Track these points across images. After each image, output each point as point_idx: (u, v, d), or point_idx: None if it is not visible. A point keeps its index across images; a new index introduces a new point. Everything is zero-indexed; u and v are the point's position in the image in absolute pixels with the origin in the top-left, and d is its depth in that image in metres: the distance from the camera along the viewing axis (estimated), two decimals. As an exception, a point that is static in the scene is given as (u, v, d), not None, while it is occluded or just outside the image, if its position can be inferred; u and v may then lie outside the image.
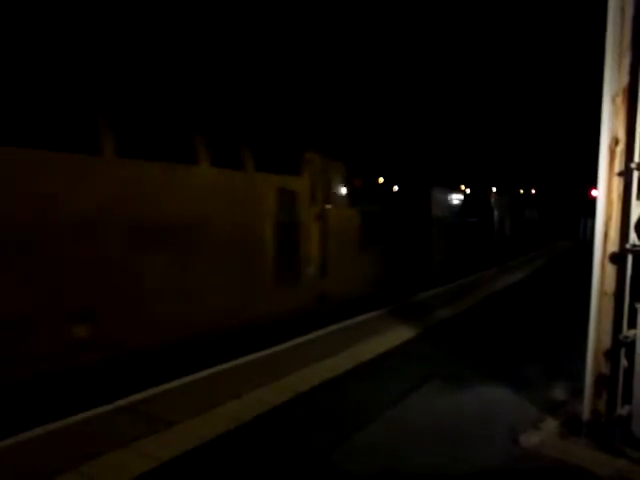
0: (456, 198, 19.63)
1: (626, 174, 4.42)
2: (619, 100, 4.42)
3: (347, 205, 10.34)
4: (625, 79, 4.40)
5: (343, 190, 10.11)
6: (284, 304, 8.77)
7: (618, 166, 4.44)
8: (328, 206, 9.71)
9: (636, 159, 4.38)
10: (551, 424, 4.85)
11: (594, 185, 4.59)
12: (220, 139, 7.80)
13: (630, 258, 4.43)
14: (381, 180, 12.96)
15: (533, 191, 39.71)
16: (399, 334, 8.09)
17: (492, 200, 24.35)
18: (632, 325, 4.42)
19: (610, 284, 4.49)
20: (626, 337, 4.43)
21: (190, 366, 6.14)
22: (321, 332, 8.15)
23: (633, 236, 4.43)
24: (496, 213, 23.83)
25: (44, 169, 5.56)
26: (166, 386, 5.68)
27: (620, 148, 4.42)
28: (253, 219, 8.31)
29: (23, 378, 5.43)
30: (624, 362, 4.48)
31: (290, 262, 8.96)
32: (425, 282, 12.52)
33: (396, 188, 14.05)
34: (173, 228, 6.92)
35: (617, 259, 4.46)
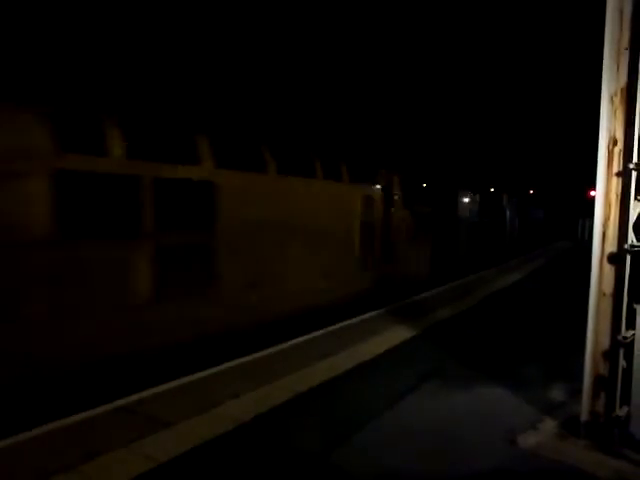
0: (474, 200, 21.41)
1: (624, 174, 4.41)
2: (617, 100, 4.41)
3: (402, 207, 12.76)
4: (623, 79, 4.40)
5: (399, 195, 12.71)
6: (364, 283, 11.11)
7: (616, 166, 4.44)
8: (392, 209, 12.29)
9: (634, 159, 4.38)
10: (549, 425, 4.84)
11: (592, 186, 4.59)
12: (327, 159, 10.41)
13: (628, 258, 4.43)
14: (424, 186, 15.94)
15: (531, 192, 39.74)
16: (398, 334, 8.09)
17: (504, 202, 26.32)
18: (630, 326, 4.42)
19: (608, 284, 4.48)
20: (625, 338, 4.42)
21: (312, 327, 8.12)
22: (321, 332, 8.15)
23: (631, 236, 4.43)
24: (508, 214, 26.18)
25: (251, 184, 8.37)
26: (165, 386, 5.67)
27: (618, 148, 4.42)
28: (349, 219, 10.79)
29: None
30: (623, 363, 4.47)
31: (369, 251, 11.38)
32: (452, 272, 15.14)
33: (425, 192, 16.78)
34: (304, 225, 9.40)
35: (615, 259, 4.45)
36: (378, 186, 11.84)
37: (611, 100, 4.43)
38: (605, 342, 4.51)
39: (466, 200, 19.61)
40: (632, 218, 4.45)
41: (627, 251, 4.40)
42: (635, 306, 4.37)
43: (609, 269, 4.47)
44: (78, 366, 6.00)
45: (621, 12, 4.40)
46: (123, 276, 6.49)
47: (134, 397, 5.34)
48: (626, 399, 4.41)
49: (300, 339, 7.72)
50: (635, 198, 4.42)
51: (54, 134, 5.88)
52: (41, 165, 5.71)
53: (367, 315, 9.47)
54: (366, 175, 11.55)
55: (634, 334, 4.35)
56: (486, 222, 22.26)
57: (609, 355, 4.50)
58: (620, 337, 4.44)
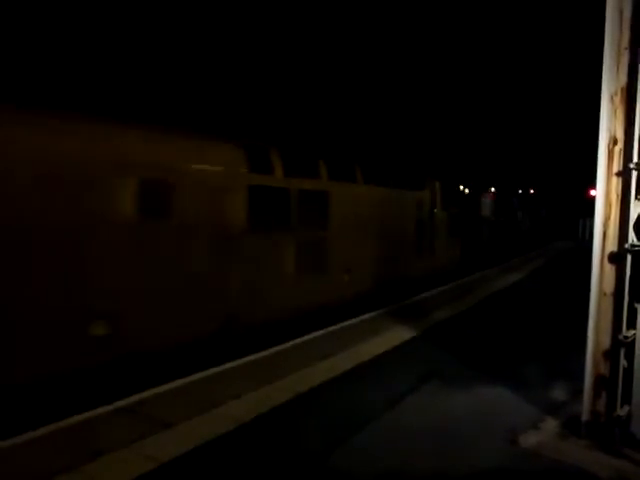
0: (491, 201, 23.84)
1: (624, 174, 4.41)
2: (617, 100, 4.41)
3: (441, 209, 15.28)
4: (623, 79, 4.40)
5: (439, 198, 15.21)
6: (417, 269, 13.89)
7: (617, 166, 4.44)
8: (435, 210, 14.88)
9: (634, 159, 4.38)
10: (551, 424, 4.84)
11: (593, 185, 4.59)
12: (394, 173, 13.33)
13: (629, 258, 4.43)
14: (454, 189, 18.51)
15: (532, 191, 39.67)
16: (399, 334, 8.08)
17: (515, 201, 28.96)
18: (631, 325, 4.42)
19: (609, 284, 4.48)
20: (625, 337, 4.42)
21: (383, 301, 10.10)
22: (321, 332, 8.15)
23: (632, 236, 4.43)
24: (519, 213, 28.89)
25: (348, 191, 10.89)
26: (166, 387, 5.67)
27: (618, 148, 4.42)
28: (408, 218, 13.62)
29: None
30: (623, 362, 4.47)
31: (420, 244, 14.09)
32: (475, 265, 17.68)
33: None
34: (380, 223, 11.94)
35: (616, 259, 4.45)
36: (427, 191, 14.56)
37: (611, 99, 4.43)
38: (606, 342, 4.50)
39: (487, 201, 22.56)
40: (632, 218, 4.44)
41: (628, 251, 4.40)
42: (636, 305, 4.37)
43: (610, 269, 4.47)
44: (260, 321, 8.57)
45: (621, 12, 4.40)
46: (281, 258, 9.19)
47: (135, 397, 5.34)
48: (627, 399, 4.41)
49: (301, 339, 7.71)
50: (635, 198, 4.42)
51: (246, 159, 8.38)
52: (241, 182, 8.25)
53: (367, 315, 9.47)
54: (418, 182, 14.25)
55: (635, 333, 4.35)
56: (502, 221, 24.82)
57: (610, 355, 4.49)
58: (621, 336, 4.44)
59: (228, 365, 6.44)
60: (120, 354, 6.43)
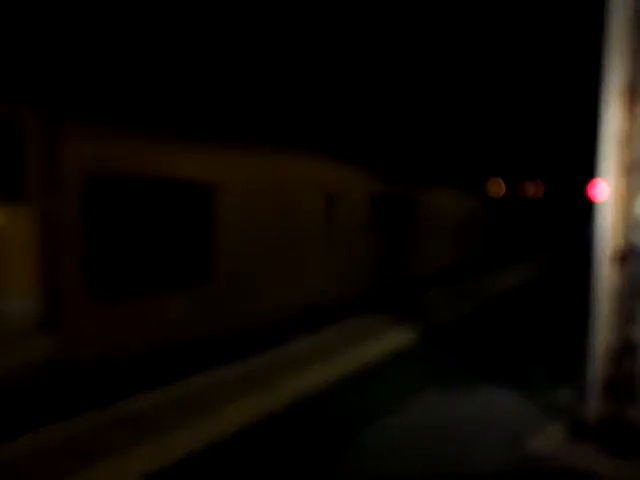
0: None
1: (629, 172, 4.34)
2: (620, 96, 4.34)
3: (483, 207, 18.67)
4: (627, 75, 4.33)
5: (482, 198, 18.80)
6: (476, 252, 17.72)
7: (621, 164, 4.37)
8: (480, 208, 18.41)
9: (638, 157, 4.31)
10: (556, 428, 4.76)
11: (596, 184, 4.52)
12: (464, 177, 16.57)
13: (634, 257, 4.35)
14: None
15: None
16: (401, 336, 8.01)
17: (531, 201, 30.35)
18: (637, 326, 4.34)
19: (614, 284, 4.40)
20: (631, 338, 4.35)
21: (454, 275, 12.68)
22: (321, 334, 8.05)
23: (637, 234, 4.36)
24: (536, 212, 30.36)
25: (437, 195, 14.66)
26: (164, 390, 5.58)
27: (622, 146, 4.35)
28: (474, 216, 17.54)
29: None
30: (629, 364, 4.40)
31: (477, 234, 17.99)
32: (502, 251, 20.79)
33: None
34: (455, 218, 15.76)
35: (621, 259, 4.37)
36: (477, 192, 18.03)
37: (614, 96, 4.36)
38: (611, 343, 4.43)
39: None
40: (636, 217, 4.37)
41: (633, 250, 4.32)
42: (642, 306, 4.30)
43: (615, 268, 4.39)
44: (388, 279, 12.19)
45: (624, 7, 4.33)
46: (405, 245, 12.92)
47: (134, 400, 5.25)
48: (634, 400, 4.33)
49: (300, 342, 7.61)
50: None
51: (368, 178, 11.34)
52: (367, 193, 11.33)
53: (370, 317, 9.39)
54: (473, 184, 17.54)
55: (641, 334, 4.28)
56: (520, 216, 26.49)
57: (616, 356, 4.42)
58: (626, 337, 4.36)
59: (227, 368, 6.33)
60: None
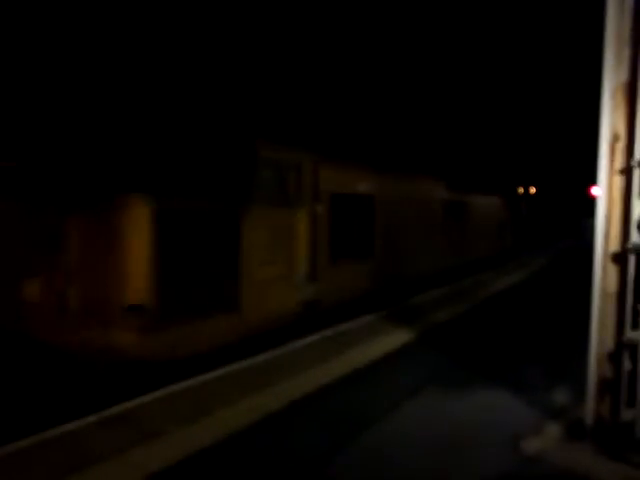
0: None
1: (627, 171, 4.31)
2: (619, 95, 4.31)
3: (505, 209, 22.55)
4: (625, 74, 4.29)
5: (503, 201, 22.60)
6: (497, 247, 20.98)
7: (619, 163, 4.33)
8: (503, 210, 22.32)
9: (637, 156, 4.27)
10: (554, 429, 4.73)
11: (595, 184, 4.49)
12: (489, 184, 20.69)
13: (632, 258, 4.32)
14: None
15: (534, 190, 39.67)
16: (397, 337, 7.98)
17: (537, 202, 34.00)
18: (636, 326, 4.31)
19: (612, 285, 4.37)
20: (629, 339, 4.32)
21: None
22: (318, 336, 8.02)
23: (635, 235, 4.32)
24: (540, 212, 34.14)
25: (475, 200, 18.66)
26: (156, 394, 5.54)
27: (620, 145, 4.31)
28: (496, 218, 21.10)
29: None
30: (628, 365, 4.36)
31: (503, 232, 21.89)
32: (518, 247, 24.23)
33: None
34: (487, 219, 19.65)
35: (619, 259, 4.34)
36: (499, 196, 21.66)
37: (613, 95, 4.33)
38: (609, 344, 4.40)
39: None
40: (635, 216, 4.34)
41: (631, 250, 4.29)
42: (639, 307, 4.27)
43: (612, 269, 4.36)
44: (450, 261, 16.26)
45: (622, 6, 4.30)
46: (461, 237, 16.96)
47: (125, 405, 5.21)
48: (632, 402, 4.30)
49: (296, 344, 7.57)
50: (638, 196, 4.32)
51: (443, 187, 15.58)
52: (441, 199, 15.42)
53: (365, 318, 9.35)
54: (496, 190, 21.32)
55: (639, 335, 4.24)
56: (530, 218, 30.27)
57: (614, 357, 4.39)
58: (625, 338, 4.33)
59: (219, 372, 6.30)
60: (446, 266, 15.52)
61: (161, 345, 6.52)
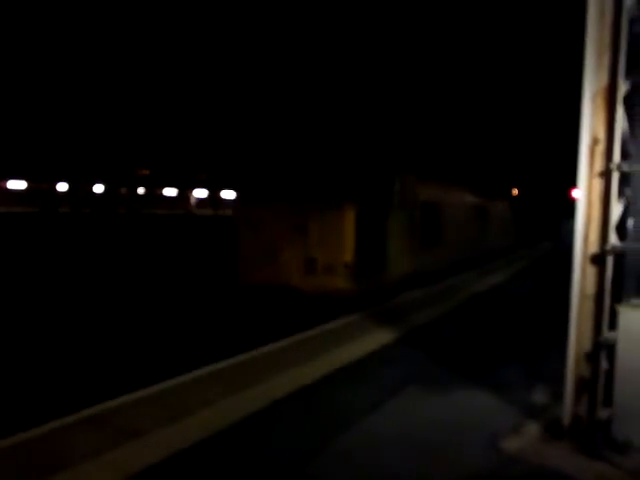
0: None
1: (606, 174, 4.37)
2: (599, 100, 4.37)
3: (509, 209, 26.91)
4: (605, 79, 4.36)
5: (509, 203, 27.94)
6: (508, 241, 25.82)
7: (598, 167, 4.40)
8: (509, 210, 27.19)
9: (616, 159, 4.34)
10: (532, 428, 4.78)
11: (575, 186, 4.54)
12: (498, 190, 28.89)
13: (610, 259, 4.39)
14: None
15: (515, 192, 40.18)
16: (379, 337, 8.01)
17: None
18: (613, 327, 4.38)
19: (590, 286, 4.44)
20: (607, 339, 4.39)
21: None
22: (300, 336, 8.01)
23: (613, 237, 4.39)
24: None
25: (494, 204, 24.73)
26: (136, 395, 5.48)
27: (600, 148, 4.38)
28: (503, 218, 25.40)
29: None
30: (605, 365, 4.43)
31: (508, 229, 26.20)
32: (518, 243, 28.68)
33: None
34: (497, 219, 24.05)
35: (597, 260, 4.41)
36: (506, 200, 26.70)
37: (593, 99, 4.39)
38: (587, 344, 4.46)
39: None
40: (614, 218, 4.41)
41: (609, 252, 4.36)
42: (617, 307, 4.33)
43: (591, 270, 4.43)
44: (485, 248, 21.61)
45: (603, 12, 4.36)
46: (483, 233, 21.42)
47: (104, 406, 5.16)
48: (608, 401, 4.37)
49: (279, 344, 7.55)
50: (617, 198, 4.39)
51: (469, 194, 20.59)
52: (470, 204, 20.33)
53: (348, 318, 9.37)
54: (504, 195, 26.77)
55: (616, 335, 4.31)
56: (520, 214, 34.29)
57: (591, 357, 4.45)
58: (602, 339, 4.40)
59: (201, 371, 6.26)
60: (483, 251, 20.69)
61: (358, 286, 11.31)
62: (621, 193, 4.54)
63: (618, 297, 4.44)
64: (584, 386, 4.46)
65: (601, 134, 4.37)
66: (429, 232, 14.81)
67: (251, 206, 12.46)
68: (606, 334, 4.40)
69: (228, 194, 65.01)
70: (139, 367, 8.31)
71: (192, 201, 69.89)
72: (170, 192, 67.11)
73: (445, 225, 16.21)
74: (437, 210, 15.59)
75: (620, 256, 4.48)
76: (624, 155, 4.45)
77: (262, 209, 12.04)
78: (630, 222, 4.82)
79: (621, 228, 4.53)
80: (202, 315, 12.38)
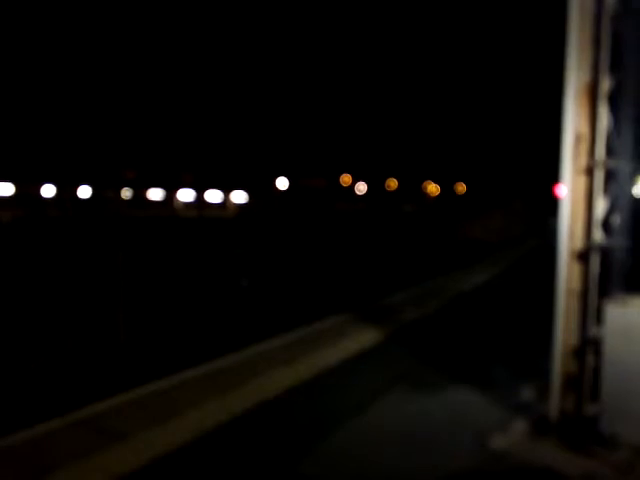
0: None
1: (590, 171, 4.39)
2: (582, 96, 4.38)
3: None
4: (588, 75, 4.37)
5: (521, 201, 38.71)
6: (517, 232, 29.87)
7: (582, 163, 4.41)
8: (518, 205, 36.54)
9: (600, 156, 4.35)
10: (520, 425, 4.79)
11: (560, 183, 4.56)
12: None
13: (596, 256, 4.40)
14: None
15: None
16: (367, 337, 7.99)
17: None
18: (599, 323, 4.39)
19: (576, 282, 4.45)
20: (593, 335, 4.40)
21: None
22: (288, 336, 7.96)
23: (599, 233, 4.40)
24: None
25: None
26: (123, 397, 5.43)
27: (583, 145, 4.39)
28: (517, 211, 33.84)
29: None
30: (591, 360, 4.45)
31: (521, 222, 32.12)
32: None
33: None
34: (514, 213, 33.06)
35: (582, 257, 4.42)
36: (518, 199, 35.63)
37: (576, 96, 4.40)
38: (574, 340, 4.48)
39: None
40: (599, 214, 4.42)
41: (594, 248, 4.37)
42: (603, 303, 4.34)
43: (576, 266, 4.44)
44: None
45: (585, 8, 4.38)
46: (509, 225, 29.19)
47: (91, 408, 5.10)
48: (595, 397, 4.38)
49: (264, 344, 7.50)
50: (602, 194, 4.40)
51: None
52: None
53: (335, 318, 9.32)
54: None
55: (603, 331, 4.33)
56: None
57: (578, 353, 4.47)
58: (589, 335, 4.41)
59: (186, 374, 6.20)
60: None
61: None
62: (606, 189, 4.56)
63: (604, 293, 4.45)
64: (571, 382, 4.47)
65: (585, 130, 4.39)
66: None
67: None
68: (592, 330, 4.42)
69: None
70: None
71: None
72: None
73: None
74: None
75: (606, 252, 4.49)
76: (609, 152, 4.46)
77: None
78: (615, 218, 4.84)
79: (606, 224, 4.54)
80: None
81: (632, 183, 4.91)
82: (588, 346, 4.44)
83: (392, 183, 65.44)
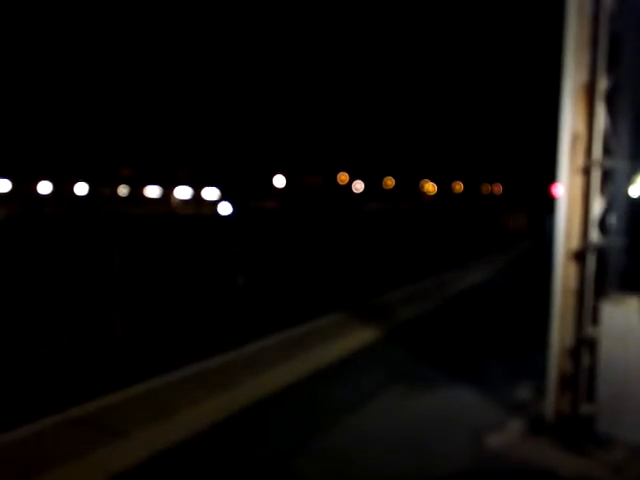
0: None
1: (587, 170, 4.39)
2: (579, 96, 4.38)
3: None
4: (585, 75, 4.37)
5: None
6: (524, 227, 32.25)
7: (579, 162, 4.41)
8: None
9: (597, 155, 4.35)
10: (516, 425, 4.79)
11: (555, 182, 4.56)
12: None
13: (592, 255, 4.40)
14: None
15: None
16: (363, 335, 7.98)
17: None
18: (595, 322, 4.40)
19: (572, 282, 4.45)
20: (589, 335, 4.40)
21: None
22: (285, 334, 7.96)
23: (595, 233, 4.40)
24: None
25: None
26: (119, 395, 5.41)
27: (580, 144, 4.39)
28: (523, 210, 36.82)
29: None
30: (587, 360, 4.45)
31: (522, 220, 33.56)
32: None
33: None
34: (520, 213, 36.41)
35: (579, 257, 4.42)
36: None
37: (573, 96, 4.40)
38: (570, 340, 4.48)
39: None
40: (595, 214, 4.42)
41: (590, 248, 4.37)
42: (599, 303, 4.35)
43: (573, 266, 4.44)
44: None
45: (582, 7, 4.37)
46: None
47: (88, 406, 5.09)
48: (591, 397, 4.38)
49: (264, 342, 7.50)
50: (599, 194, 4.40)
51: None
52: None
53: (331, 316, 9.31)
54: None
55: (599, 331, 4.33)
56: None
57: (574, 353, 4.47)
58: (584, 334, 4.42)
59: (183, 372, 6.22)
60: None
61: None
62: (603, 189, 4.56)
63: (600, 293, 4.45)
64: (567, 382, 4.47)
65: (582, 130, 4.38)
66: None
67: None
68: (588, 330, 4.42)
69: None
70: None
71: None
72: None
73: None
74: None
75: (602, 252, 4.49)
76: (606, 152, 4.46)
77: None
78: (612, 218, 4.84)
79: (603, 224, 4.55)
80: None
81: (629, 183, 4.92)
82: (584, 346, 4.44)
83: (389, 181, 65.50)
